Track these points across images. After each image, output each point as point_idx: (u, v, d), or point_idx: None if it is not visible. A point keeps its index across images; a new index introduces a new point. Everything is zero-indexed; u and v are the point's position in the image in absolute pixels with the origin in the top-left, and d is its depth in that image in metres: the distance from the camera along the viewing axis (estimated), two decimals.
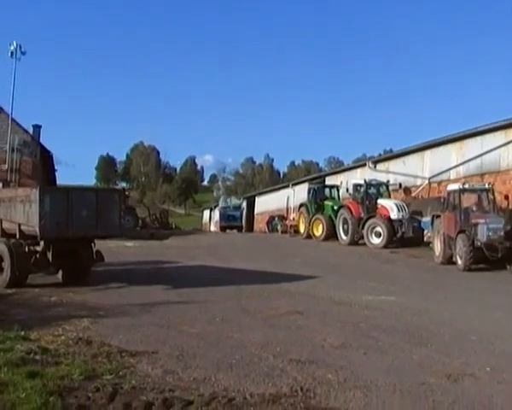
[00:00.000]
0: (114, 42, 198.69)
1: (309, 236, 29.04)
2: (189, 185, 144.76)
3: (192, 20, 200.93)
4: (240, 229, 51.89)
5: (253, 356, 7.18)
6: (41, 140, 33.86)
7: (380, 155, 67.12)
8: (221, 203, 58.34)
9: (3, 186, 26.57)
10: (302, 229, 30.52)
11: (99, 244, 13.96)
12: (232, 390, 5.83)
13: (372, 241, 24.64)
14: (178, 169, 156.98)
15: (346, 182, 29.18)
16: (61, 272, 13.75)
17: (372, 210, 25.58)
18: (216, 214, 59.45)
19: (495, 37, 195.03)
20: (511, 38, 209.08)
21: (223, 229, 51.69)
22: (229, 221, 52.39)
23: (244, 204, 57.94)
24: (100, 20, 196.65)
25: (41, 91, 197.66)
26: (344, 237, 26.22)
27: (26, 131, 32.62)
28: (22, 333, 7.92)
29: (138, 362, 6.77)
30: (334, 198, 30.25)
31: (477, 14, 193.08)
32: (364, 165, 34.40)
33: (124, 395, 5.57)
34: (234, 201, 59.98)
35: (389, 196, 27.23)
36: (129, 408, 5.22)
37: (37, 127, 33.82)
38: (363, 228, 25.09)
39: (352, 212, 25.91)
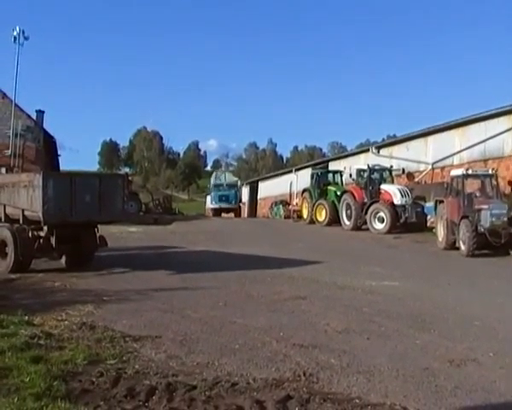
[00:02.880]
0: (117, 27, 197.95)
1: (312, 221, 29.07)
2: (193, 170, 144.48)
3: (193, 4, 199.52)
4: (236, 213, 44.72)
5: (257, 341, 7.19)
6: (44, 125, 33.84)
7: (383, 140, 66.71)
8: (212, 180, 46.84)
9: (7, 171, 26.66)
10: (305, 214, 30.52)
11: (102, 229, 13.98)
12: (235, 375, 5.85)
13: (375, 226, 24.62)
14: (182, 154, 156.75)
15: (349, 167, 29.17)
16: (64, 258, 13.79)
17: (375, 195, 25.55)
18: None
19: (499, 21, 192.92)
20: None
21: (215, 212, 43.24)
22: (222, 202, 43.92)
23: (247, 189, 55.44)
24: (102, 5, 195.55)
25: (45, 77, 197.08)
26: (347, 222, 26.21)
27: (30, 117, 32.57)
28: (26, 318, 7.95)
29: (142, 347, 6.80)
30: (337, 183, 30.22)
31: None
32: (368, 150, 34.27)
33: (127, 380, 5.60)
34: (228, 177, 47.97)
35: (392, 182, 27.22)
36: (132, 393, 5.23)
37: (40, 112, 33.74)
38: (366, 213, 25.06)
39: (355, 197, 25.88)
